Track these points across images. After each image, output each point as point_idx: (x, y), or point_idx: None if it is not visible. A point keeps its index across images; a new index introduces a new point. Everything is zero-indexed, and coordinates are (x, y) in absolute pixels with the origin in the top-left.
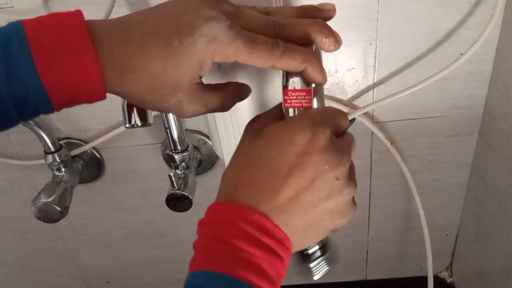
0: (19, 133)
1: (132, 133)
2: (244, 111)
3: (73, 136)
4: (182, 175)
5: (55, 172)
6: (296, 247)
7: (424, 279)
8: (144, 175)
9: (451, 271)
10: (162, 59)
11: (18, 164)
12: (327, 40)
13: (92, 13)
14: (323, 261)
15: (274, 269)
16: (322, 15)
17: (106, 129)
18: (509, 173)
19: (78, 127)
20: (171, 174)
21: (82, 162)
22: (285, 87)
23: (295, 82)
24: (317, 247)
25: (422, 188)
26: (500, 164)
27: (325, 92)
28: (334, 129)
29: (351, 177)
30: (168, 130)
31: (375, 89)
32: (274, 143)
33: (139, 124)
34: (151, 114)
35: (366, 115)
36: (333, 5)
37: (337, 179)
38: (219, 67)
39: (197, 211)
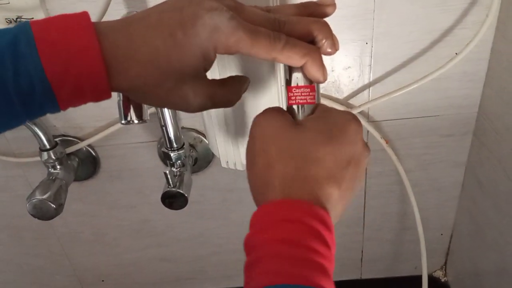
0: (14, 130)
1: (127, 130)
2: (240, 110)
3: (69, 134)
4: (178, 173)
5: (50, 169)
6: None
7: (419, 278)
8: (139, 173)
9: (445, 270)
10: (166, 52)
11: (13, 162)
12: (325, 41)
13: (89, 11)
14: None
15: (332, 263)
16: (322, 10)
17: (102, 126)
18: (503, 172)
19: (73, 124)
20: (167, 172)
21: (77, 159)
22: (288, 83)
23: (299, 78)
24: None
25: (417, 187)
26: (495, 163)
27: (321, 91)
28: None
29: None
30: (164, 128)
31: (370, 88)
32: (326, 137)
33: (135, 121)
34: (147, 111)
35: (362, 114)
36: (333, 0)
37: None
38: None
39: (193, 209)
